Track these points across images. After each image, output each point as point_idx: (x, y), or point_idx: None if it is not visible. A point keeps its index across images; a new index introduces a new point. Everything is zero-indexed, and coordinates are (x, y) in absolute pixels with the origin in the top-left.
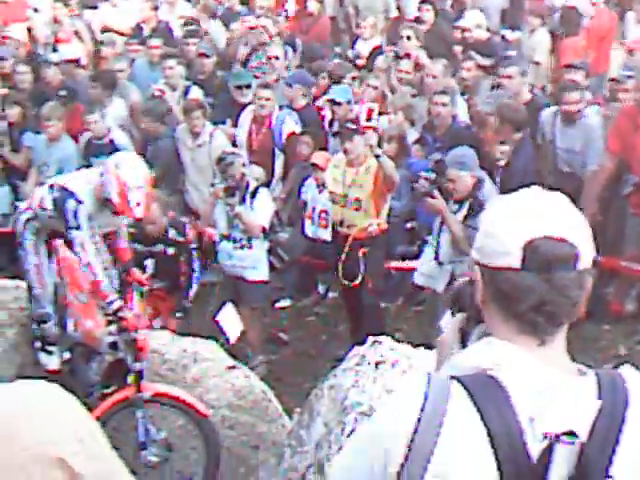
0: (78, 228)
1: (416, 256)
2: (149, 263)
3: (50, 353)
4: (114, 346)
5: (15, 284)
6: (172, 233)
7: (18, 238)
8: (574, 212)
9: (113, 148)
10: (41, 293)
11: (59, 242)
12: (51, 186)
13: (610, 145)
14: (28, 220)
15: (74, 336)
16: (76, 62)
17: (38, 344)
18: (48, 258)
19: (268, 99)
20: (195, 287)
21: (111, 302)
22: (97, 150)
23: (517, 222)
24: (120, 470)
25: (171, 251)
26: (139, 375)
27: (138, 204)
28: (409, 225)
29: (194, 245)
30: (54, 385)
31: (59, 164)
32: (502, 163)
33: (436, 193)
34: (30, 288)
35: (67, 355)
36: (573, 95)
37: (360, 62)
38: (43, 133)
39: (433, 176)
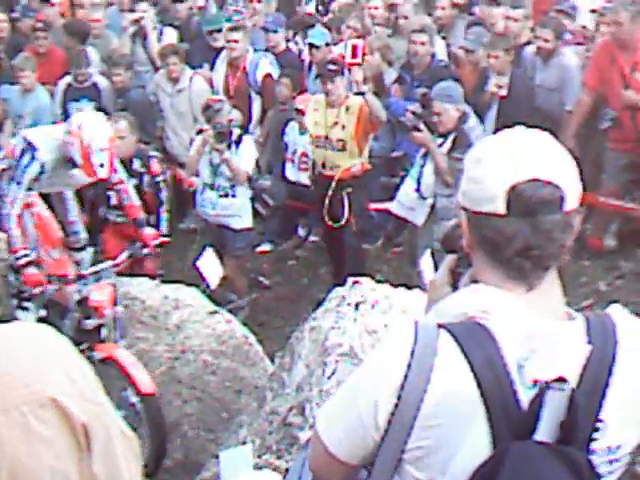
0: (19, 184)
1: (397, 187)
2: (113, 195)
3: (26, 310)
4: (80, 303)
5: None
6: (137, 164)
7: None
8: (560, 152)
9: (96, 91)
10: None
11: (34, 196)
12: (24, 137)
13: (587, 80)
14: (3, 170)
15: (48, 293)
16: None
17: (15, 301)
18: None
19: (236, 41)
20: (165, 219)
21: (18, 257)
22: (78, 94)
23: (501, 166)
24: (112, 413)
25: (133, 182)
26: (95, 333)
27: (102, 165)
28: (394, 154)
29: (160, 177)
30: (44, 326)
31: (34, 115)
32: (502, 94)
33: (422, 126)
34: (10, 238)
35: (43, 312)
36: (545, 32)
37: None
38: (17, 84)
39: (419, 109)
